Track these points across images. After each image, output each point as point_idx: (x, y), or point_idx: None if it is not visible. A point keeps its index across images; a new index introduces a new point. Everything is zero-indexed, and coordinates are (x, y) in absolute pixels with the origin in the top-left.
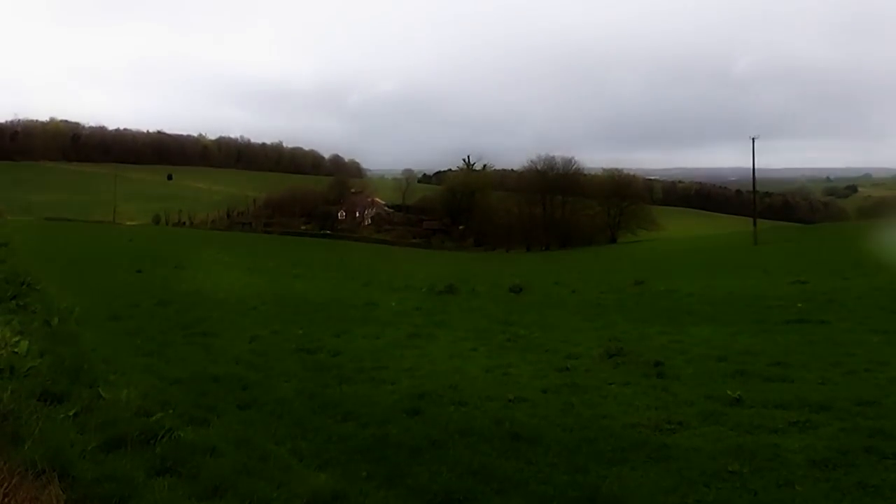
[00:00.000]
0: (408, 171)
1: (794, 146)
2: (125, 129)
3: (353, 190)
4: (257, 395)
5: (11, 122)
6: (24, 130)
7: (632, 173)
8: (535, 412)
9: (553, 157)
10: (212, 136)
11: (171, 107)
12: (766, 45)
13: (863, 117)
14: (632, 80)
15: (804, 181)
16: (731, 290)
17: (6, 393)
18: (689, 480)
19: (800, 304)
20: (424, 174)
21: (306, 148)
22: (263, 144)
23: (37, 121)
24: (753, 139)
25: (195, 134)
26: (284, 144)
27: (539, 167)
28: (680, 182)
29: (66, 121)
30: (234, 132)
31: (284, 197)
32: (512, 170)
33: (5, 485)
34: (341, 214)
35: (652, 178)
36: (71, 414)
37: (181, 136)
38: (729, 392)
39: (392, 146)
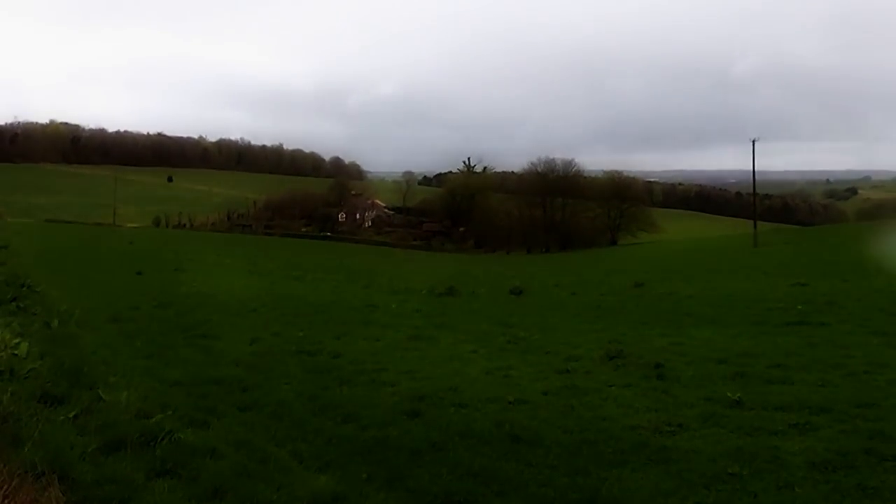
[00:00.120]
0: (408, 174)
1: (794, 148)
2: (125, 132)
3: (353, 192)
4: (257, 398)
5: (11, 124)
6: (24, 133)
7: (632, 175)
8: (535, 414)
9: (553, 160)
10: (212, 139)
11: (172, 109)
12: (766, 48)
13: (863, 120)
14: (632, 83)
15: (804, 183)
16: (731, 293)
17: (6, 395)
18: (689, 482)
19: (800, 307)
20: (425, 176)
21: (306, 150)
22: (264, 146)
23: (37, 123)
24: (754, 141)
25: (195, 136)
26: (285, 146)
27: (539, 169)
28: (680, 184)
29: (66, 123)
30: (235, 134)
31: (285, 199)
32: (512, 172)
33: (5, 487)
34: (342, 216)
35: (652, 180)
36: (71, 416)
37: (181, 138)
38: (729, 394)
39: (392, 148)
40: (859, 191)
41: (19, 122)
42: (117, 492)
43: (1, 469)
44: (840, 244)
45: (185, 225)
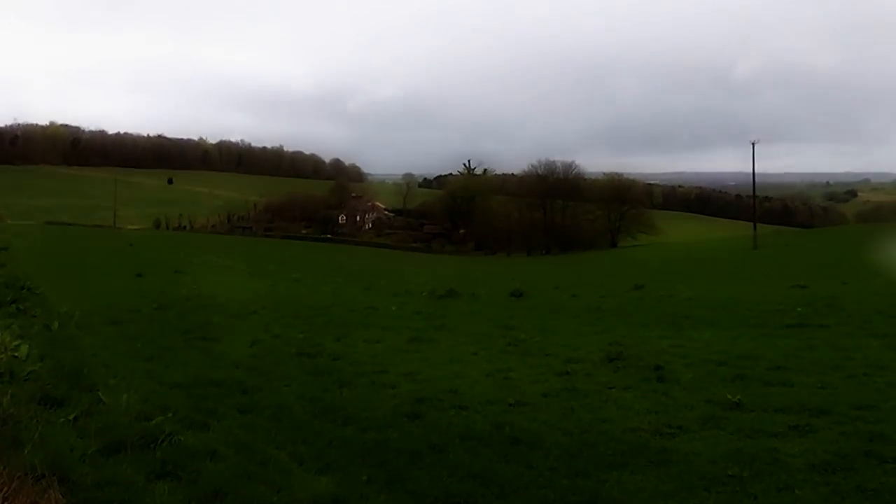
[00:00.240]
0: (408, 176)
1: (794, 151)
2: (125, 133)
3: (353, 194)
4: (257, 400)
5: (11, 126)
6: (24, 134)
7: (632, 178)
8: (535, 416)
9: (553, 162)
10: (212, 140)
11: (172, 111)
12: (765, 50)
13: (862, 122)
14: (632, 85)
15: (804, 186)
16: (730, 295)
17: (6, 397)
18: (688, 485)
19: (799, 309)
20: (425, 178)
21: (307, 152)
22: (264, 148)
23: (37, 125)
24: (753, 144)
25: (196, 138)
26: (285, 148)
27: (539, 172)
28: (680, 186)
29: (66, 125)
30: (235, 136)
31: (285, 201)
32: (512, 174)
33: (5, 489)
34: (342, 219)
35: (652, 182)
36: (71, 418)
37: (182, 140)
38: (729, 396)
39: (393, 151)
40: (859, 193)
41: (19, 124)
42: (117, 494)
43: (1, 471)
44: (840, 246)
45: (185, 227)
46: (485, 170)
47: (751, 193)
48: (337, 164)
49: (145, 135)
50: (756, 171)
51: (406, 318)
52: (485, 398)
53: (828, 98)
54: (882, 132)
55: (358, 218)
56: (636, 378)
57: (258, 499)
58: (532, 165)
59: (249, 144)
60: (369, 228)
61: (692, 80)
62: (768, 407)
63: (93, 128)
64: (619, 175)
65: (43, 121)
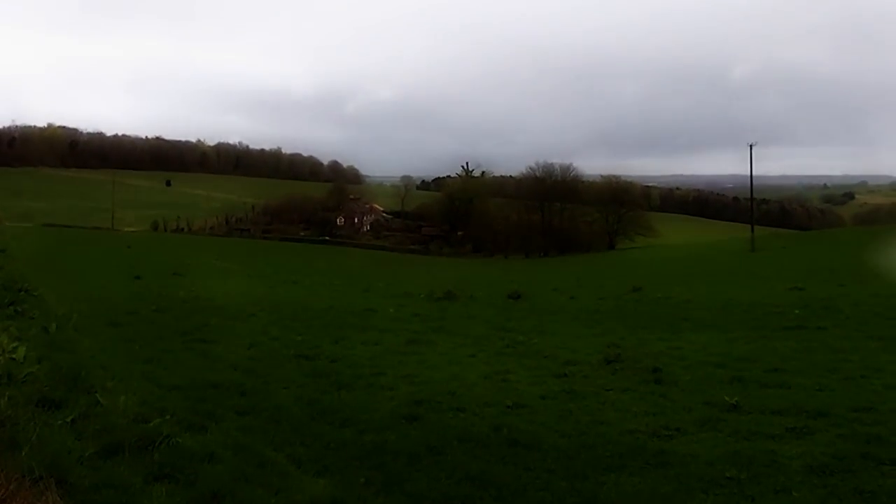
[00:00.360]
0: (406, 178)
1: (792, 153)
2: (123, 136)
3: (351, 196)
4: (256, 402)
5: (9, 128)
6: (22, 136)
7: (630, 180)
8: (533, 418)
9: (551, 164)
10: (210, 143)
11: (170, 113)
12: (763, 53)
13: (859, 125)
14: (630, 88)
15: (801, 188)
16: (728, 297)
17: (3, 399)
18: (686, 487)
19: (797, 311)
20: (423, 181)
21: (305, 154)
22: (262, 151)
23: (34, 127)
24: (751, 146)
25: (194, 140)
26: (283, 151)
27: (537, 174)
28: (678, 189)
29: (64, 127)
30: (233, 138)
31: (283, 203)
32: (510, 176)
33: (2, 491)
34: (340, 221)
35: (650, 184)
36: (68, 420)
37: (180, 142)
38: (726, 398)
39: (391, 153)
40: (856, 195)
41: (17, 126)
42: (115, 496)
43: None
44: (837, 249)
45: (183, 229)
46: (483, 172)
47: (748, 196)
48: (335, 166)
49: (143, 137)
50: (754, 173)
51: (404, 320)
52: (483, 400)
53: (825, 101)
54: (879, 135)
55: (356, 220)
56: (634, 380)
57: (256, 501)
58: (530, 168)
59: (247, 146)
60: (367, 230)
61: (690, 83)
62: (766, 409)
63: (91, 130)
64: (617, 177)
65: (41, 123)
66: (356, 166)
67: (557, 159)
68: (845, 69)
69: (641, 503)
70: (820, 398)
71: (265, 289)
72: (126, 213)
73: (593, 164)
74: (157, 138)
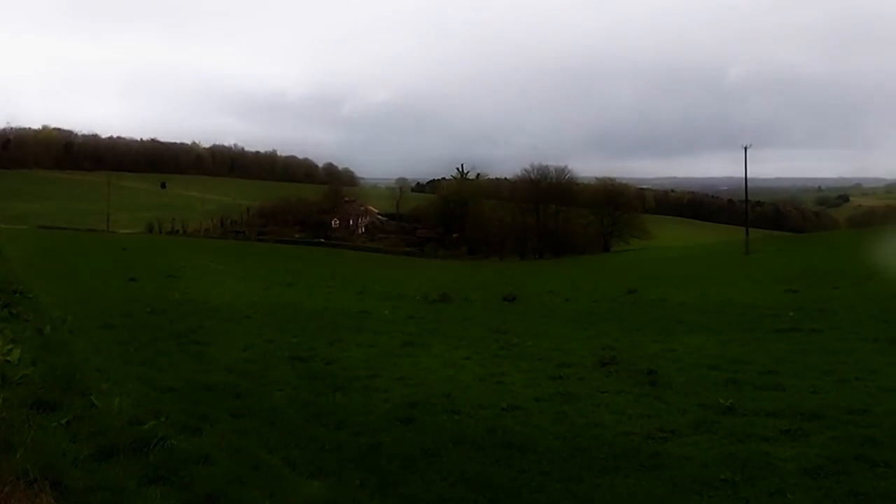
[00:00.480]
0: (401, 180)
1: (786, 156)
2: (118, 137)
3: (346, 198)
4: (250, 404)
5: (4, 130)
6: (17, 138)
7: (625, 182)
8: (528, 420)
9: (546, 167)
10: (205, 145)
11: (165, 115)
12: (758, 56)
13: (854, 128)
14: (624, 90)
15: (795, 191)
16: (723, 299)
17: None
18: (681, 489)
19: (791, 313)
20: (418, 183)
21: (300, 156)
22: (257, 153)
23: (29, 129)
24: (746, 148)
25: (189, 142)
26: (278, 153)
27: (532, 176)
28: (672, 191)
29: (58, 129)
30: (228, 140)
31: (278, 205)
32: (505, 179)
33: None
34: (335, 223)
35: (645, 187)
36: (63, 422)
37: (174, 144)
38: (721, 400)
39: (385, 155)
40: (850, 198)
41: (12, 128)
42: (109, 498)
43: None
44: (831, 251)
45: (178, 231)
46: (478, 174)
47: (743, 198)
48: (330, 168)
49: (138, 139)
50: (748, 175)
51: (399, 322)
52: (477, 402)
53: (820, 103)
54: (874, 137)
55: (351, 222)
56: (629, 382)
57: (251, 503)
58: (525, 170)
59: (242, 149)
60: (362, 233)
61: (685, 85)
62: (760, 411)
63: (86, 132)
64: (612, 180)
65: (36, 125)
66: (351, 168)
67: (552, 161)
68: (841, 72)
69: None
70: (814, 400)
71: (260, 291)
72: (121, 215)
73: (588, 167)
74: (152, 140)
